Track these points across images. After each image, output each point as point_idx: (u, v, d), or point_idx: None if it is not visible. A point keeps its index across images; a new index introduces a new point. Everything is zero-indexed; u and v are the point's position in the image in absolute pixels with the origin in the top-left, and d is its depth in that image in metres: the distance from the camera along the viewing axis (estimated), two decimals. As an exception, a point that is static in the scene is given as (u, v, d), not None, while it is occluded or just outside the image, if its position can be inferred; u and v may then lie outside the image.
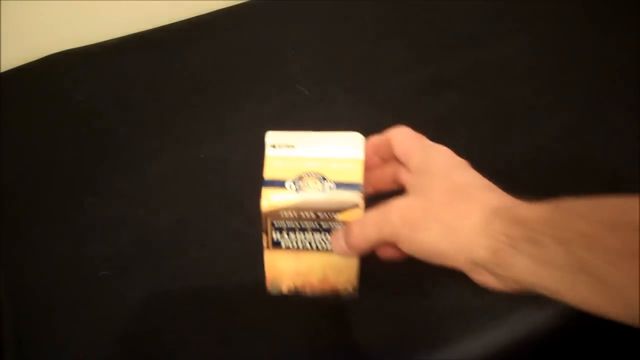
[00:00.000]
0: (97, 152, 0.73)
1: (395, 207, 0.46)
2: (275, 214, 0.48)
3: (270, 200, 0.47)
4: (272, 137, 0.50)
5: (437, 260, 0.45)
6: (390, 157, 0.52)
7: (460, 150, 0.72)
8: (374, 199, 0.51)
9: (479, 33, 0.84)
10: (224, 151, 0.69)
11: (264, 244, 0.50)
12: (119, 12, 0.88)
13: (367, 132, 0.66)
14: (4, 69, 0.83)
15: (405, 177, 0.50)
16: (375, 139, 0.52)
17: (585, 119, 0.74)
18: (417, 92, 0.77)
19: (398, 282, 0.62)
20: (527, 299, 0.60)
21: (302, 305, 0.61)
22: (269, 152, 0.49)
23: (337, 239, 0.49)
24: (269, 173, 0.48)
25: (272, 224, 0.48)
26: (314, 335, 0.59)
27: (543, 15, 0.86)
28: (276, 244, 0.50)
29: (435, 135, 0.77)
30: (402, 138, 0.51)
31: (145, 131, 0.75)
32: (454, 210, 0.44)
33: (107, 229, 0.66)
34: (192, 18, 0.88)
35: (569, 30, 0.84)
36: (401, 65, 0.80)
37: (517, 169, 0.70)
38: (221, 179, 0.69)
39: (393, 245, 0.47)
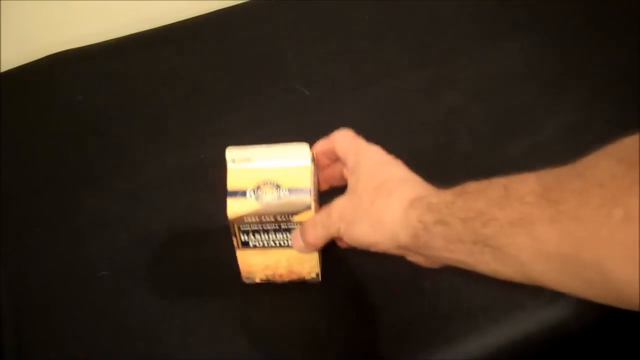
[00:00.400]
0: (97, 152, 0.73)
1: (334, 207, 0.53)
2: (240, 219, 0.55)
3: (234, 208, 0.54)
4: (231, 153, 0.56)
5: (373, 248, 0.52)
6: (337, 157, 0.58)
7: (460, 150, 0.72)
8: (330, 193, 0.58)
9: (479, 33, 0.84)
10: (224, 151, 0.69)
11: (235, 244, 0.57)
12: (119, 12, 0.88)
13: (367, 132, 0.65)
14: (4, 69, 0.83)
15: (346, 176, 0.56)
16: (323, 142, 0.58)
17: (585, 119, 0.74)
18: (417, 92, 0.78)
19: (398, 282, 0.62)
20: (526, 299, 0.61)
21: (301, 305, 0.61)
22: (229, 165, 0.56)
23: (295, 238, 0.56)
24: (231, 184, 0.55)
25: (239, 228, 0.55)
26: (313, 335, 0.59)
27: (543, 15, 0.86)
28: (245, 244, 0.57)
29: (436, 135, 0.77)
30: (341, 141, 0.57)
31: (145, 131, 0.75)
32: (378, 205, 0.50)
33: (107, 229, 0.66)
34: (192, 18, 0.88)
35: (569, 31, 0.84)
36: (401, 65, 0.80)
37: (517, 169, 0.70)
38: (221, 179, 0.68)
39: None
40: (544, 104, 0.76)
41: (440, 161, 0.71)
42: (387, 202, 0.50)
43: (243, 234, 0.56)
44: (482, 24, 0.85)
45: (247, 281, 0.61)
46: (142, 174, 0.71)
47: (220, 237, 0.63)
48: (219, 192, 0.62)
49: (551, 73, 0.79)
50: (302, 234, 0.55)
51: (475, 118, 0.75)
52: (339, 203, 0.53)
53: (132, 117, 0.77)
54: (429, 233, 0.46)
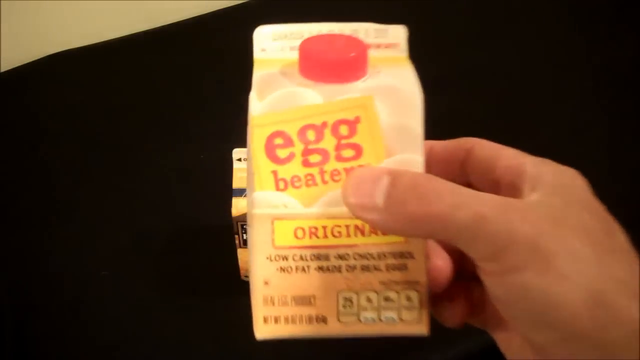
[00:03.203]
0: (97, 152, 0.73)
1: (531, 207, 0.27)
2: (243, 218, 0.55)
3: (238, 207, 0.55)
4: (238, 153, 0.57)
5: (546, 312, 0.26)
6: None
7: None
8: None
9: (479, 33, 0.84)
10: (224, 151, 0.69)
11: (236, 242, 0.57)
12: (119, 12, 0.88)
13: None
14: (4, 69, 0.83)
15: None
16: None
17: (585, 119, 0.74)
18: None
19: (398, 282, 0.62)
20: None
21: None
22: (235, 164, 0.57)
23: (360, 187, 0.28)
24: (236, 183, 0.56)
25: (242, 226, 0.56)
26: (314, 335, 0.59)
27: (543, 15, 0.86)
28: (246, 243, 0.55)
29: (436, 135, 0.77)
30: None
31: (145, 131, 0.75)
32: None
33: (107, 229, 0.66)
34: (192, 18, 0.88)
35: (570, 31, 0.84)
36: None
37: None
38: (221, 179, 0.69)
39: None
40: (544, 104, 0.76)
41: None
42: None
43: (245, 233, 0.56)
44: (483, 24, 0.85)
45: (245, 279, 0.61)
46: (142, 174, 0.71)
47: (220, 237, 0.63)
48: (219, 192, 0.62)
49: (551, 73, 0.79)
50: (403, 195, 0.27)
51: (476, 118, 0.75)
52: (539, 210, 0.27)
53: (132, 116, 0.77)
54: None
